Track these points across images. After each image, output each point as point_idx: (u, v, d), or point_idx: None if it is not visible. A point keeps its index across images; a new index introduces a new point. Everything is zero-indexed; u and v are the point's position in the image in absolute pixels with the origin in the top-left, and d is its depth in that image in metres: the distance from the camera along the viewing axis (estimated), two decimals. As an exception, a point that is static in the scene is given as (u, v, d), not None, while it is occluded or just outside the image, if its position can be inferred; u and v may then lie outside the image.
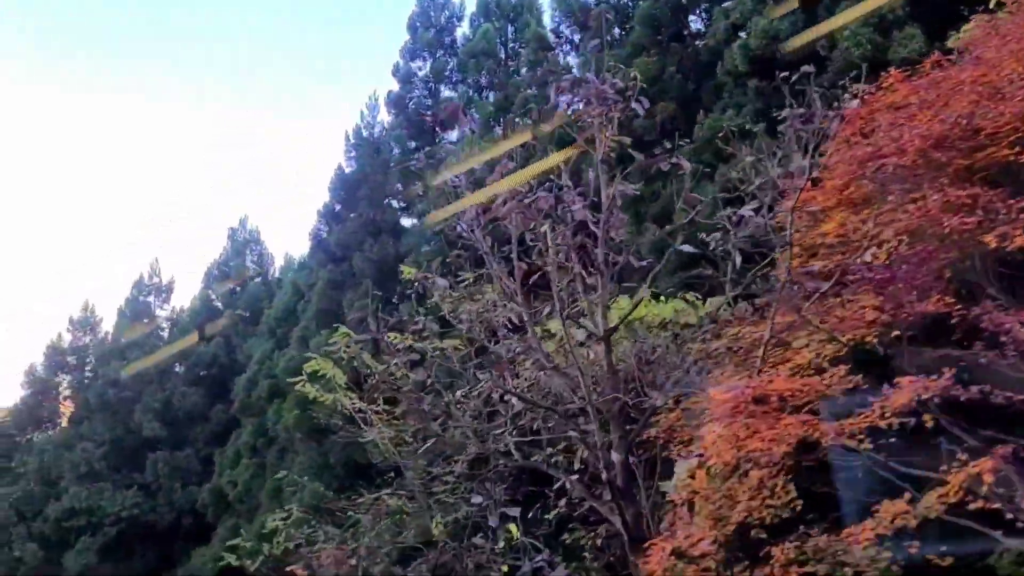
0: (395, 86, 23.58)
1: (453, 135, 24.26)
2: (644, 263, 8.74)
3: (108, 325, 29.23)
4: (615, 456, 8.49)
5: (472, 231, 9.34)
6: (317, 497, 19.04)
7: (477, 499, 10.37)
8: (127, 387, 26.46)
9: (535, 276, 9.06)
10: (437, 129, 24.65)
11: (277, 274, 29.99)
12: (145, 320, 28.39)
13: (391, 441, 14.53)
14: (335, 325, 20.98)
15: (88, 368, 27.69)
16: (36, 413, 27.18)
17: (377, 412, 14.59)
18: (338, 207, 22.99)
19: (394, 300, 20.42)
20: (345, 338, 13.85)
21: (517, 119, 21.56)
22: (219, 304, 29.64)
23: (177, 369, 28.27)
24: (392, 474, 14.66)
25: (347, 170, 23.15)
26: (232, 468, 23.00)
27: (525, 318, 9.41)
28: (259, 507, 21.84)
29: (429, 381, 10.12)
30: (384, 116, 24.35)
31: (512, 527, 10.45)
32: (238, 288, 30.01)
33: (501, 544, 10.11)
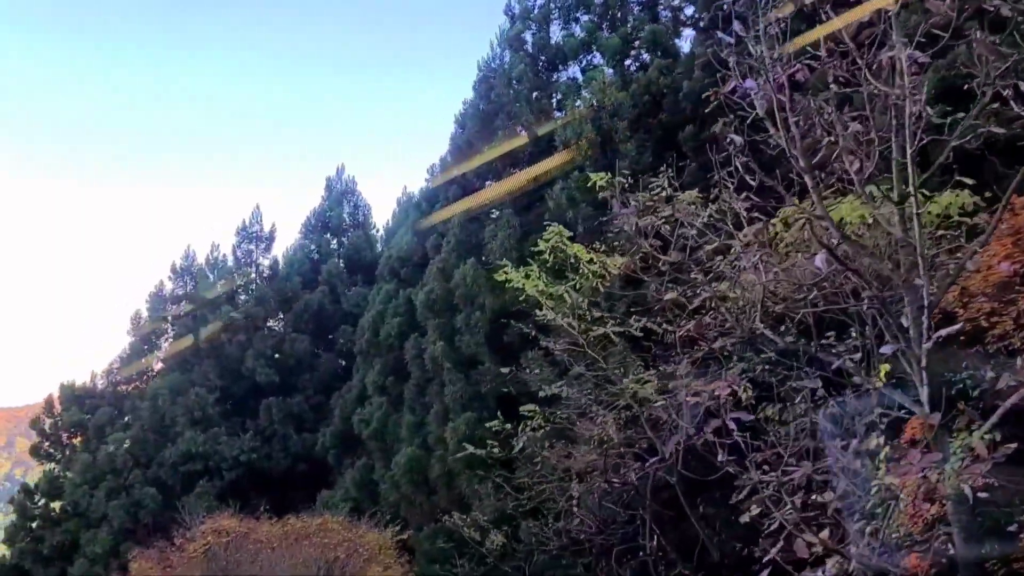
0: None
1: (574, 70, 23.80)
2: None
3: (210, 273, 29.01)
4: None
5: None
6: (471, 424, 18.88)
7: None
8: (238, 332, 26.24)
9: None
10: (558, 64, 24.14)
11: (383, 224, 29.71)
12: (248, 268, 28.12)
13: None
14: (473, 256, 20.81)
15: (193, 316, 27.47)
16: (143, 360, 27.00)
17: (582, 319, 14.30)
18: (467, 140, 22.56)
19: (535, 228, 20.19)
20: (556, 236, 13.53)
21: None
22: (316, 255, 29.33)
23: (280, 317, 28.04)
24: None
25: (475, 102, 22.72)
26: (359, 408, 22.69)
27: (811, 189, 8.80)
28: (394, 443, 21.67)
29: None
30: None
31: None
32: (334, 237, 29.74)
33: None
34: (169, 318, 27.73)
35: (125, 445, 25.29)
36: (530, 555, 16.47)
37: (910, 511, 8.46)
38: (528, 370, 18.47)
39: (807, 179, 8.51)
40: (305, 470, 25.40)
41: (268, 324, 27.33)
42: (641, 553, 12.76)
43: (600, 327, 12.50)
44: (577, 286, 13.29)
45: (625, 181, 11.96)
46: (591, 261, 13.09)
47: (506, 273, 14.37)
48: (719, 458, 7.84)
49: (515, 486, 16.49)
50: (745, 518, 7.59)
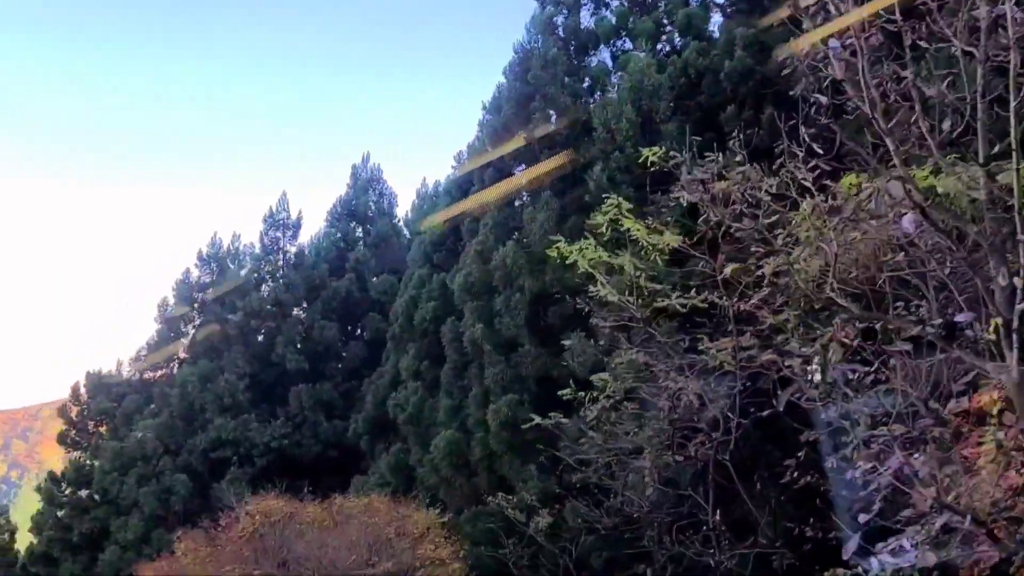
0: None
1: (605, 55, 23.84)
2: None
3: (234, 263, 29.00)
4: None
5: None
6: (513, 407, 18.91)
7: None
8: (267, 320, 26.25)
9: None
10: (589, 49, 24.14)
11: (403, 214, 29.75)
12: (275, 255, 28.12)
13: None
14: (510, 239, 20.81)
15: (221, 302, 27.49)
16: (170, 347, 26.99)
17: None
18: (500, 124, 22.55)
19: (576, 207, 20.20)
20: (615, 209, 13.58)
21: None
22: (342, 243, 29.33)
23: (307, 305, 28.03)
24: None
25: (509, 86, 22.71)
26: (393, 393, 22.69)
27: (893, 153, 8.79)
28: (431, 427, 21.69)
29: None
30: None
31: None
32: (360, 225, 29.75)
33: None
34: (196, 305, 27.69)
35: (154, 432, 25.21)
36: (578, 535, 16.49)
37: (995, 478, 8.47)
38: (572, 350, 18.52)
39: (888, 142, 8.54)
40: (336, 456, 25.42)
41: (295, 311, 27.27)
42: (704, 528, 12.76)
43: (663, 299, 12.48)
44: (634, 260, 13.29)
45: (678, 155, 12.05)
46: (651, 232, 13.08)
47: (559, 248, 14.36)
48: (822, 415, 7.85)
49: (563, 465, 16.55)
50: (856, 474, 7.57)
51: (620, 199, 13.41)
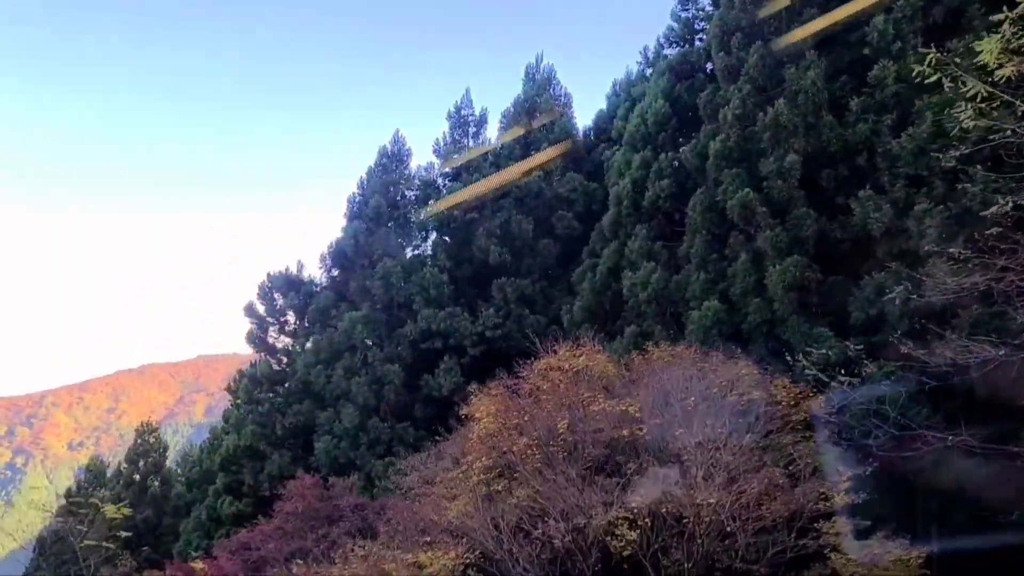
0: None
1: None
2: None
3: (419, 158, 28.83)
4: None
5: None
6: (799, 268, 18.49)
7: None
8: (469, 211, 25.99)
9: None
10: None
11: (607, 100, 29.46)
12: (461, 152, 27.80)
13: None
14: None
15: (415, 195, 27.28)
16: (371, 239, 26.82)
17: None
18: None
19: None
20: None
21: None
22: (524, 140, 28.86)
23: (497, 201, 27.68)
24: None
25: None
26: (630, 273, 22.34)
27: None
28: (676, 304, 21.38)
29: None
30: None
31: None
32: (536, 125, 29.26)
33: None
34: (383, 201, 27.46)
35: (362, 322, 25.18)
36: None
37: None
38: (863, 208, 18.05)
39: None
40: (545, 351, 25.11)
41: (485, 211, 26.93)
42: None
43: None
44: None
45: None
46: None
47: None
48: None
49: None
50: None
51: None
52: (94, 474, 37.99)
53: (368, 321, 25.81)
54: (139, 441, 33.88)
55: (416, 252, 27.49)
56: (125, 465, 33.65)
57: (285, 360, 28.04)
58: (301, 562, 13.98)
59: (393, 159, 28.66)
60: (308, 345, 26.14)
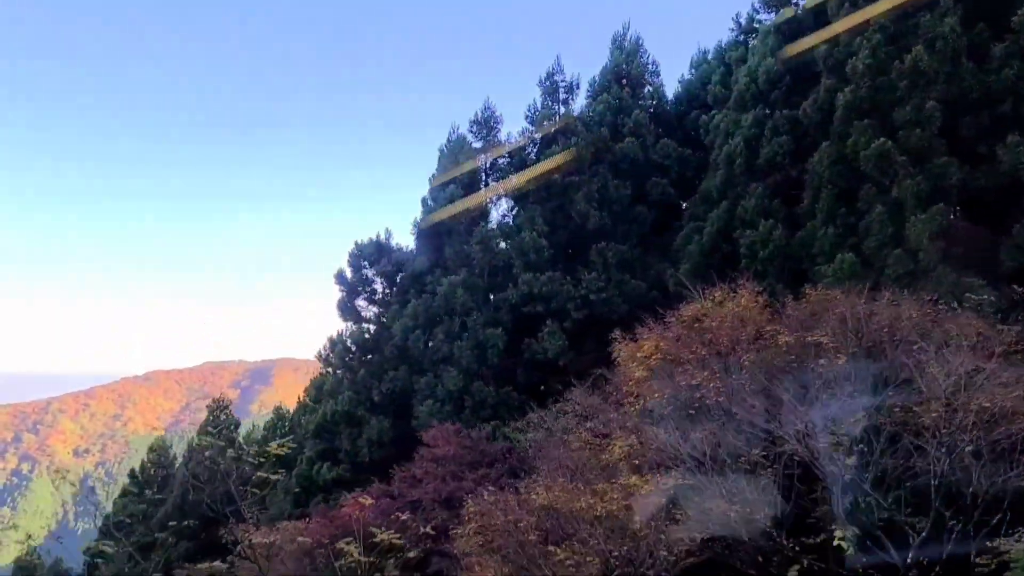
0: None
1: None
2: None
3: (509, 127, 28.78)
4: None
5: None
6: (943, 216, 18.31)
7: None
8: (568, 175, 25.84)
9: None
10: None
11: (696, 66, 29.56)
12: (551, 119, 27.67)
13: None
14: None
15: (509, 160, 27.18)
16: (454, 207, 26.68)
17: None
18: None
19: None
20: None
21: None
22: (616, 107, 28.68)
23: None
24: None
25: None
26: (745, 231, 22.21)
27: None
28: (799, 262, 21.25)
29: None
30: None
31: None
32: (631, 91, 29.16)
33: None
34: (471, 168, 27.35)
35: (460, 285, 25.04)
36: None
37: None
38: (1007, 157, 17.92)
39: None
40: (642, 316, 24.92)
41: (583, 175, 26.78)
42: None
43: None
44: None
45: None
46: None
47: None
48: None
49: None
50: None
51: None
52: (158, 454, 37.91)
53: (467, 286, 25.64)
54: (211, 417, 33.76)
55: (512, 217, 27.30)
56: (197, 440, 33.46)
57: (373, 328, 27.85)
58: (492, 488, 13.70)
59: (483, 126, 28.53)
60: (406, 310, 25.91)
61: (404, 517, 12.69)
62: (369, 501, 14.34)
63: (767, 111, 23.60)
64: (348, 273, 28.06)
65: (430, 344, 25.41)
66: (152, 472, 36.49)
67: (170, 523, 24.62)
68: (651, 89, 29.96)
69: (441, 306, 25.59)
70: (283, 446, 14.74)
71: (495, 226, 26.66)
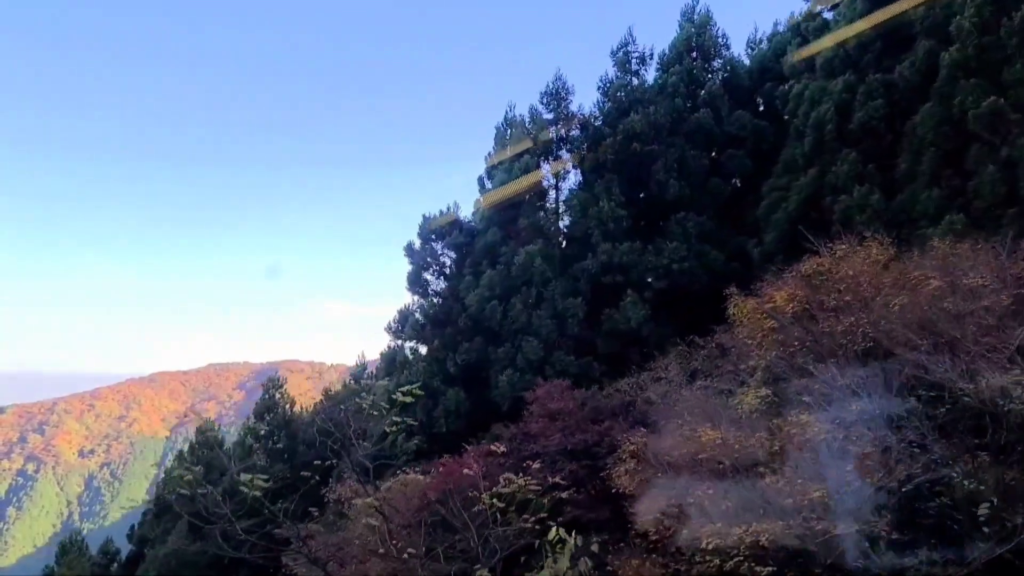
0: None
1: None
2: None
3: (581, 98, 28.45)
4: None
5: None
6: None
7: None
8: (647, 143, 25.54)
9: None
10: None
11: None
12: (625, 90, 27.39)
13: None
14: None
15: (584, 129, 26.90)
16: (537, 177, 26.42)
17: None
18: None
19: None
20: None
21: None
22: (688, 78, 28.41)
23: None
24: None
25: None
26: (840, 197, 21.88)
27: None
28: (900, 226, 20.92)
29: None
30: None
31: None
32: (704, 62, 28.90)
33: None
34: (544, 138, 27.07)
35: (540, 255, 24.75)
36: None
37: None
38: None
39: None
40: (723, 289, 24.61)
41: (660, 145, 26.47)
42: None
43: None
44: None
45: None
46: None
47: None
48: None
49: None
50: None
51: None
52: (205, 435, 37.55)
53: (544, 255, 25.35)
54: (265, 396, 33.39)
55: (584, 188, 27.00)
56: (254, 420, 33.16)
57: (439, 301, 27.56)
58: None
59: (553, 97, 28.25)
60: (481, 281, 25.61)
61: (535, 465, 12.38)
62: (501, 448, 14.05)
63: (859, 75, 23.34)
64: (417, 244, 27.78)
65: (508, 314, 25.08)
66: (202, 453, 36.20)
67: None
68: (721, 62, 29.71)
69: (518, 276, 25.30)
70: (410, 392, 14.41)
71: (569, 196, 26.35)
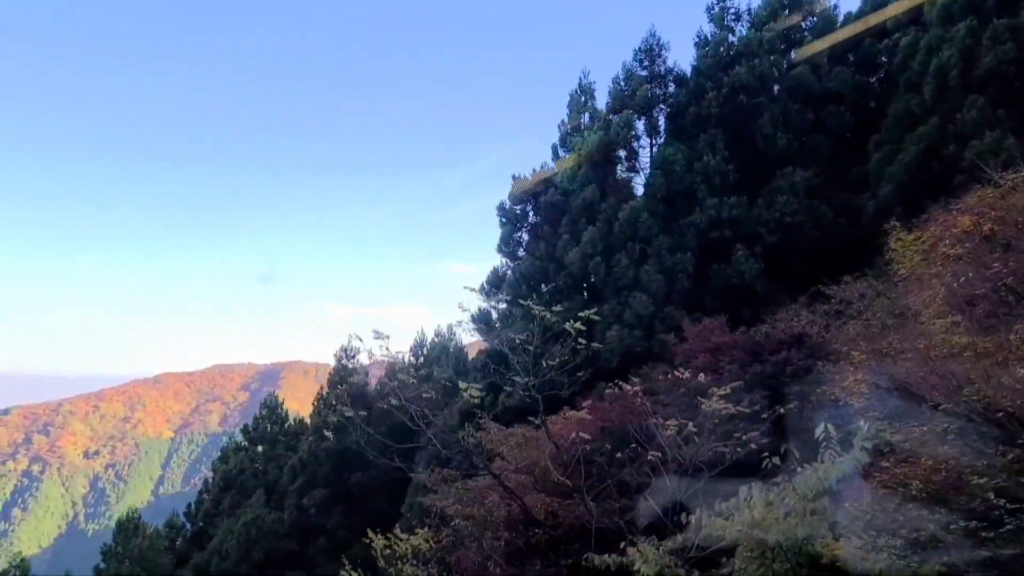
0: None
1: None
2: None
3: (675, 54, 28.03)
4: None
5: None
6: None
7: None
8: (752, 95, 25.05)
9: None
10: None
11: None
12: (723, 45, 26.92)
13: None
14: None
15: (674, 83, 26.46)
16: (631, 133, 25.96)
17: None
18: None
19: None
20: None
21: None
22: (779, 37, 27.88)
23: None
24: None
25: None
26: (972, 143, 21.34)
27: None
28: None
29: None
30: None
31: None
32: (799, 18, 28.40)
33: None
34: (637, 95, 26.61)
35: (631, 210, 24.24)
36: None
37: None
38: None
39: None
40: (835, 245, 24.13)
41: (765, 98, 25.97)
42: None
43: None
44: None
45: None
46: None
47: None
48: None
49: None
50: None
51: None
52: (270, 408, 37.09)
53: (650, 211, 24.84)
54: (339, 366, 32.90)
55: (691, 142, 26.52)
56: (328, 390, 32.68)
57: (533, 261, 27.07)
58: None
59: (647, 55, 27.79)
60: (583, 237, 25.10)
61: (719, 393, 11.87)
62: (686, 373, 13.50)
63: (982, 21, 22.85)
64: (509, 205, 27.31)
65: (612, 271, 24.56)
66: (268, 429, 35.69)
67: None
68: (816, 20, 29.24)
69: (621, 232, 24.79)
70: (587, 319, 13.86)
71: (672, 151, 25.85)
